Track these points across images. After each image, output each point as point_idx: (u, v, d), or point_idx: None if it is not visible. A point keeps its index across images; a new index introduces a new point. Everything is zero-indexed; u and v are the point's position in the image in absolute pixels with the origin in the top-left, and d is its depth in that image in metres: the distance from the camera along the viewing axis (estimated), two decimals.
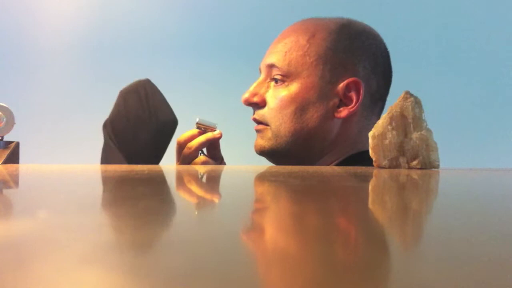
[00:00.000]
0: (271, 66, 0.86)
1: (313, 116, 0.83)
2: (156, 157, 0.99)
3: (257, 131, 0.88)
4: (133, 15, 1.84)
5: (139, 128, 0.96)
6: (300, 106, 0.83)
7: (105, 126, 0.96)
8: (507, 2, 1.86)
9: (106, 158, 0.95)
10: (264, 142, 0.87)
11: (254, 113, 0.89)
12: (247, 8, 1.85)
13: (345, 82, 0.83)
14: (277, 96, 0.84)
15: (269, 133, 0.86)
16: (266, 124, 0.86)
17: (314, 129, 0.84)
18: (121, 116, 0.96)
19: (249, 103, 0.88)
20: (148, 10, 1.85)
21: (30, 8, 1.82)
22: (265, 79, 0.88)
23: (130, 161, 0.93)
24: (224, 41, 1.86)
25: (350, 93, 0.84)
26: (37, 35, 1.81)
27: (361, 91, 0.83)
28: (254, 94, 0.87)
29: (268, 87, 0.87)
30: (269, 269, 0.15)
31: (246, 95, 0.88)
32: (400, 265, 0.16)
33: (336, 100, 0.84)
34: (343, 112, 0.83)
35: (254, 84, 0.88)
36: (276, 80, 0.85)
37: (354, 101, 0.83)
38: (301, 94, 0.83)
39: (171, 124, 1.00)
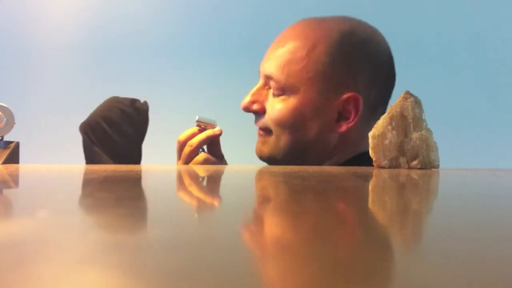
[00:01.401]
0: (268, 77, 0.86)
1: (311, 131, 0.83)
2: (135, 153, 0.98)
3: (260, 135, 0.89)
4: (134, 15, 1.84)
5: (118, 132, 0.95)
6: (298, 120, 0.83)
7: (82, 127, 0.95)
8: (507, 2, 1.86)
9: (89, 160, 0.95)
10: (265, 148, 0.87)
11: (256, 120, 0.88)
12: (247, 7, 1.85)
13: (343, 98, 0.82)
14: (275, 108, 0.84)
15: (270, 140, 0.86)
16: (269, 131, 0.86)
17: (312, 142, 0.84)
18: (98, 118, 0.95)
19: (248, 111, 0.88)
20: (148, 10, 1.85)
21: (30, 8, 1.82)
22: (263, 86, 0.88)
23: (113, 159, 0.93)
24: (224, 41, 1.86)
25: (348, 107, 0.83)
26: (37, 35, 1.81)
27: (359, 107, 0.82)
28: (253, 102, 0.87)
29: (268, 94, 0.87)
30: (269, 268, 0.15)
31: (246, 103, 0.87)
32: (400, 265, 0.16)
33: (334, 114, 0.83)
34: (342, 127, 0.83)
35: (253, 90, 0.88)
36: (273, 93, 0.85)
37: (353, 116, 0.83)
38: (299, 109, 0.83)
39: (143, 121, 0.99)
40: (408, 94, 0.62)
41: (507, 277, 0.14)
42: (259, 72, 0.89)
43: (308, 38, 0.85)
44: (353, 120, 0.83)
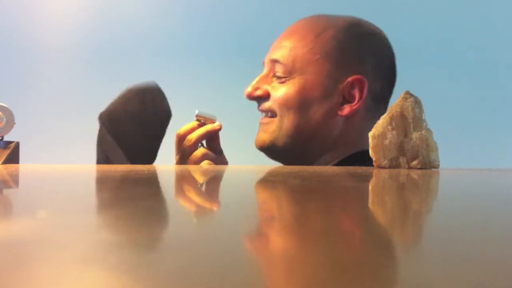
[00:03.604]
0: (274, 62, 0.86)
1: (316, 113, 0.83)
2: (150, 151, 0.97)
3: (262, 123, 0.88)
4: (134, 15, 1.84)
5: (135, 123, 0.95)
6: (303, 102, 0.83)
7: (101, 118, 0.95)
8: (507, 2, 1.86)
9: (102, 150, 0.94)
10: (267, 135, 0.86)
11: (259, 105, 0.88)
12: (247, 7, 1.84)
13: (349, 80, 0.83)
14: (281, 90, 0.84)
15: (274, 126, 0.85)
16: (273, 115, 0.86)
17: (316, 126, 0.84)
18: (119, 110, 0.94)
19: (252, 97, 0.87)
20: (148, 10, 1.85)
21: (30, 8, 1.82)
22: (268, 74, 0.87)
23: (127, 154, 0.92)
24: (224, 39, 1.86)
25: (353, 91, 0.83)
26: (37, 35, 1.81)
27: (364, 90, 0.83)
28: (257, 88, 0.87)
29: (271, 82, 0.86)
30: (269, 269, 0.15)
31: (249, 89, 0.87)
32: (400, 265, 0.16)
33: (339, 98, 0.83)
34: (346, 109, 0.83)
35: (257, 78, 0.88)
36: (278, 77, 0.85)
37: (357, 99, 0.83)
38: (305, 91, 0.83)
39: (166, 116, 0.99)
40: (408, 94, 0.62)
41: (507, 277, 0.14)
42: (263, 63, 0.89)
43: (316, 26, 0.86)
44: (357, 103, 0.83)
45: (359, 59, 0.84)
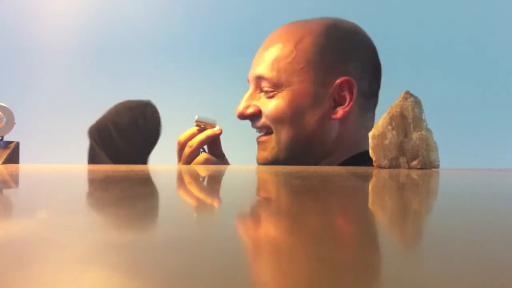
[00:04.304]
0: (259, 78, 0.85)
1: (310, 120, 0.83)
2: (138, 161, 0.98)
3: (260, 142, 0.88)
4: (133, 16, 1.84)
5: (125, 139, 0.95)
6: (295, 113, 0.83)
7: (90, 132, 0.95)
8: (507, 2, 1.86)
9: (93, 160, 0.95)
10: (267, 153, 0.86)
11: (253, 123, 0.88)
12: (247, 7, 1.84)
13: (337, 83, 0.83)
14: (272, 105, 0.84)
15: (272, 142, 0.85)
16: (269, 132, 0.86)
17: (313, 133, 0.84)
18: (108, 126, 0.94)
19: (244, 116, 0.87)
20: (148, 10, 1.85)
21: (30, 8, 1.82)
22: (255, 90, 0.87)
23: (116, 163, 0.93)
24: (224, 39, 1.86)
25: (343, 93, 0.83)
26: (37, 35, 1.81)
27: (354, 90, 0.83)
28: (247, 107, 0.86)
29: (260, 97, 0.86)
30: (268, 269, 0.15)
31: (240, 108, 0.87)
32: (400, 265, 0.16)
33: (331, 102, 0.83)
34: (339, 112, 0.83)
35: (246, 97, 0.88)
36: (266, 92, 0.85)
37: (348, 100, 0.83)
38: (295, 101, 0.83)
39: (156, 133, 0.99)
40: (408, 94, 0.62)
41: (507, 277, 0.14)
42: (248, 80, 0.89)
43: (294, 35, 0.85)
44: (348, 104, 0.83)
45: (343, 60, 0.84)
